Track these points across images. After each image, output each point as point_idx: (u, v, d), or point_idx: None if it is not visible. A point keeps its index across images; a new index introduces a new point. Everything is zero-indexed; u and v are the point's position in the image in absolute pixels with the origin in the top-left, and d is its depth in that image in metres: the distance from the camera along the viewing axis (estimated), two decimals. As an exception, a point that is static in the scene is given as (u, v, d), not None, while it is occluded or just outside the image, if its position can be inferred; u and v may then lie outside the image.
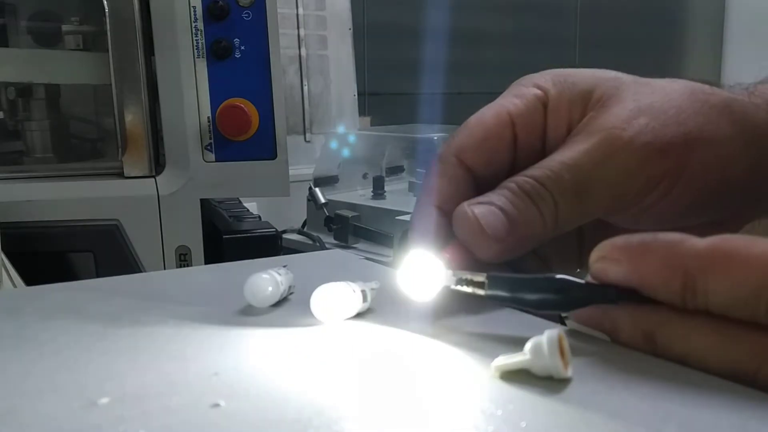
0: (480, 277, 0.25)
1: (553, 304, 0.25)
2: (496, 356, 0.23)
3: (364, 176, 1.26)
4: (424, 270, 0.26)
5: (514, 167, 0.31)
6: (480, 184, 0.31)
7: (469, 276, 0.26)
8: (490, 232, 0.28)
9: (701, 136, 0.29)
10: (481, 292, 0.25)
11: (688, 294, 0.22)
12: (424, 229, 0.30)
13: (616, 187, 0.29)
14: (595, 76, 0.31)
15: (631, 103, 0.29)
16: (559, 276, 0.24)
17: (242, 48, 0.62)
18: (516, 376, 0.22)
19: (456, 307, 0.29)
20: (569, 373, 0.22)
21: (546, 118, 0.31)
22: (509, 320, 0.28)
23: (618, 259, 0.23)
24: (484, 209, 0.28)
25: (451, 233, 0.29)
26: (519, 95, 0.31)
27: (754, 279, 0.20)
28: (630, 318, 0.24)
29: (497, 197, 0.28)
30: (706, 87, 0.31)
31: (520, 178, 0.29)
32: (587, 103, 0.30)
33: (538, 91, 0.31)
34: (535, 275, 0.25)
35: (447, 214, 0.30)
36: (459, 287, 0.26)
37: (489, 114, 0.31)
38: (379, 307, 0.29)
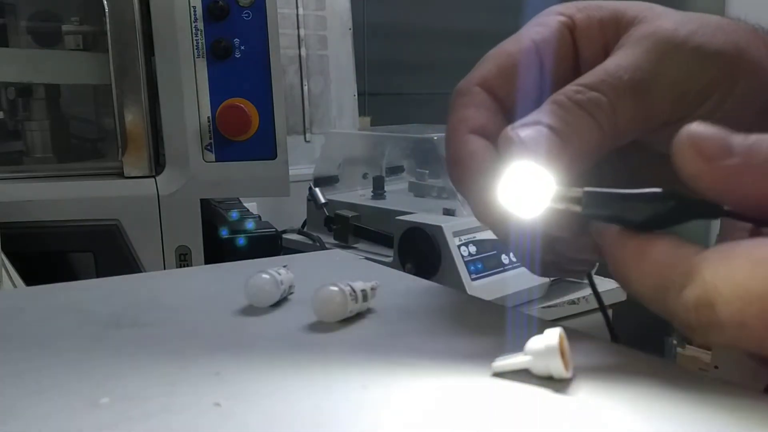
0: (576, 192, 0.23)
1: (662, 220, 0.22)
2: (496, 356, 0.23)
3: (364, 176, 1.26)
4: (527, 183, 0.24)
5: (543, 96, 0.29)
6: (509, 116, 0.29)
7: (563, 191, 0.23)
8: (542, 156, 0.25)
9: (748, 49, 0.28)
10: (577, 208, 0.23)
11: None
12: (467, 156, 0.27)
13: (677, 86, 0.27)
14: (621, 3, 0.30)
15: (673, 15, 0.29)
16: (661, 190, 0.22)
17: (242, 48, 0.62)
18: (516, 376, 0.22)
19: (456, 307, 0.29)
20: (569, 373, 0.22)
21: (576, 43, 0.30)
22: (509, 320, 0.28)
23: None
24: (532, 132, 0.26)
25: (496, 160, 0.27)
26: (541, 23, 0.30)
27: None
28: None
29: (545, 114, 0.26)
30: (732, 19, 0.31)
31: (571, 88, 0.27)
32: (620, 23, 0.29)
33: (562, 17, 0.30)
34: (637, 190, 0.22)
35: (485, 137, 0.28)
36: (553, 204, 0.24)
37: (509, 43, 0.30)
38: (379, 307, 0.29)
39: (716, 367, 0.22)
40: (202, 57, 0.62)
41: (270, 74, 0.63)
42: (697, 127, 0.22)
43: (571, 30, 0.30)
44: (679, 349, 1.60)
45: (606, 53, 0.29)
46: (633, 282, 0.23)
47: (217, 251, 0.66)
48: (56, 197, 0.61)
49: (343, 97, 1.53)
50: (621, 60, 0.27)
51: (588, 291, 1.18)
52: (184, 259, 0.64)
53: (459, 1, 1.85)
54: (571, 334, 0.26)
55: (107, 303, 0.30)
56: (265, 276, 0.29)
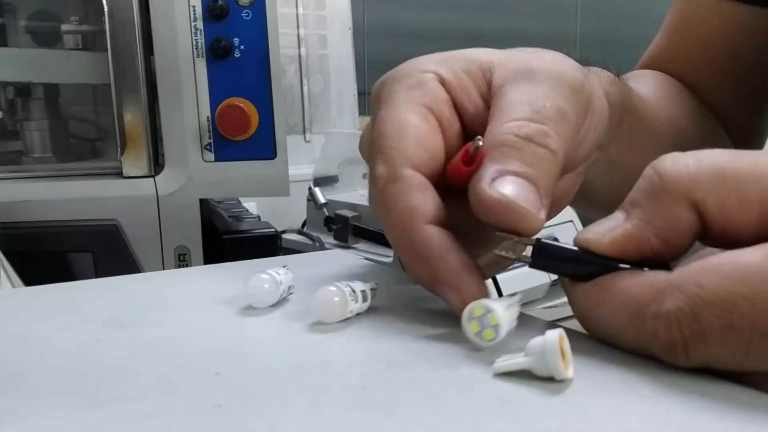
0: (527, 241, 0.25)
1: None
2: (497, 357, 0.23)
3: (364, 176, 1.26)
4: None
5: (451, 147, 0.29)
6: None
7: (512, 242, 0.25)
8: (531, 207, 0.25)
9: (587, 80, 0.30)
10: (527, 259, 0.25)
11: None
12: (435, 252, 0.26)
13: (579, 112, 0.29)
14: (462, 53, 0.31)
15: (535, 56, 0.30)
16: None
17: (242, 47, 0.62)
18: (516, 376, 0.22)
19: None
20: (570, 373, 0.22)
21: (451, 93, 0.29)
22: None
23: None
24: (511, 185, 0.25)
25: (462, 248, 0.26)
26: (414, 86, 0.29)
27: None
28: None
29: (506, 162, 0.25)
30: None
31: (510, 125, 0.26)
32: (482, 68, 0.29)
33: (430, 75, 0.29)
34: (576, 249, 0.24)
35: (443, 225, 0.26)
36: (503, 253, 0.25)
37: (404, 115, 0.28)
38: (379, 307, 0.29)
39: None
40: (202, 56, 0.62)
41: (269, 74, 0.63)
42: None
43: (443, 83, 0.29)
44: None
45: (483, 98, 0.29)
46: (604, 321, 0.23)
47: (217, 251, 0.66)
48: (55, 197, 0.61)
49: (343, 96, 1.53)
50: (526, 95, 0.27)
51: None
52: (183, 259, 0.63)
53: (459, 1, 1.85)
54: (571, 335, 0.26)
55: (106, 303, 0.30)
56: (264, 276, 0.29)
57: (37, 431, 0.19)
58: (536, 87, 0.28)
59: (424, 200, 0.26)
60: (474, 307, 0.24)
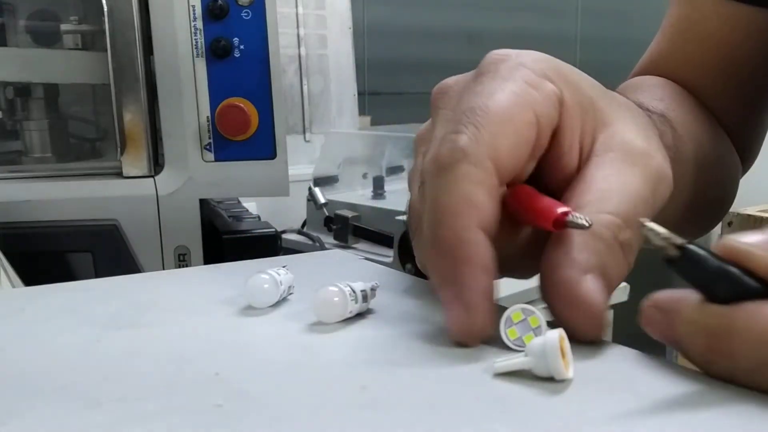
0: (677, 240, 0.22)
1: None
2: (498, 357, 0.23)
3: (364, 176, 1.26)
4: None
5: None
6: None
7: (668, 234, 0.22)
8: (601, 315, 0.24)
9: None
10: (674, 253, 0.22)
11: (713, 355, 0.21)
12: (473, 256, 0.24)
13: (660, 199, 0.28)
14: (591, 87, 0.29)
15: (633, 124, 0.29)
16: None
17: (241, 47, 0.62)
18: (516, 375, 0.22)
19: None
20: (570, 373, 0.22)
21: (561, 121, 0.27)
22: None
23: (659, 309, 0.23)
24: (595, 286, 0.24)
25: (498, 262, 0.25)
26: (535, 86, 0.26)
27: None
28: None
29: (599, 260, 0.24)
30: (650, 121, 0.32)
31: (612, 223, 0.25)
32: (596, 114, 0.28)
33: (553, 88, 0.27)
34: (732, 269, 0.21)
35: (490, 238, 0.25)
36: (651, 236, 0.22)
37: (515, 109, 0.25)
38: (379, 307, 0.29)
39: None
40: (201, 56, 0.62)
41: (269, 73, 0.63)
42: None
43: (560, 104, 0.27)
44: (678, 349, 1.60)
45: (580, 143, 0.27)
46: (747, 353, 0.20)
47: (217, 251, 0.66)
48: (55, 197, 0.61)
49: (343, 96, 1.53)
50: (626, 185, 0.26)
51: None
52: (183, 259, 0.63)
53: (459, 1, 1.85)
54: (572, 334, 0.26)
55: (106, 303, 0.30)
56: (264, 276, 0.29)
57: (37, 431, 0.19)
58: (634, 177, 0.27)
59: (487, 201, 0.25)
60: (511, 314, 0.24)
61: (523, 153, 0.26)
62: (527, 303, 0.24)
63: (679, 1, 0.50)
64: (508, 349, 0.24)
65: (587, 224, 0.24)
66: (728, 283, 0.21)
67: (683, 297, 0.22)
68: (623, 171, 0.27)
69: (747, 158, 0.50)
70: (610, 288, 0.25)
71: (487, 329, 0.24)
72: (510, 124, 0.25)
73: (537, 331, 0.23)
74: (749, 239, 0.21)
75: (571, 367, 0.22)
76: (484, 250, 0.24)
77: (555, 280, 0.25)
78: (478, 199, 0.24)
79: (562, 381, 0.22)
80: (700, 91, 0.48)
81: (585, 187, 0.26)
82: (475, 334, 0.24)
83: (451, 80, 0.30)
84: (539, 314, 0.23)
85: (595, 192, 0.26)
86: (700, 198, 0.42)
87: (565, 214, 0.25)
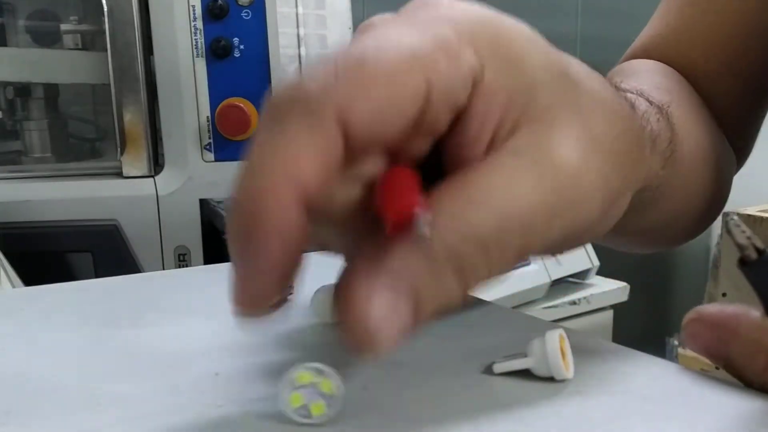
0: (759, 243, 0.21)
1: None
2: (497, 357, 0.23)
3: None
4: None
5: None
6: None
7: (751, 235, 0.21)
8: (373, 340, 0.18)
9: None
10: (754, 255, 0.21)
11: None
12: (286, 234, 0.19)
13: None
14: (542, 68, 0.22)
15: (579, 130, 0.22)
16: None
17: (241, 47, 0.62)
18: (516, 375, 0.22)
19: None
20: (570, 373, 0.22)
21: (470, 105, 0.21)
22: (510, 321, 0.28)
23: (708, 324, 0.22)
24: (384, 309, 0.19)
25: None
26: (446, 50, 0.20)
27: None
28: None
29: (405, 272, 0.19)
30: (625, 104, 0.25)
31: (453, 242, 0.19)
32: (529, 102, 0.21)
33: (473, 61, 0.20)
34: None
35: (308, 205, 0.19)
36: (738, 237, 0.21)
37: (400, 69, 0.19)
38: (380, 307, 0.29)
39: (717, 368, 0.22)
40: (201, 56, 0.62)
41: (269, 73, 0.63)
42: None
43: (474, 84, 0.21)
44: (680, 350, 1.60)
45: (493, 135, 0.21)
46: None
47: (217, 251, 0.66)
48: (55, 197, 0.61)
49: (343, 96, 1.52)
50: (517, 210, 0.20)
51: (588, 292, 1.18)
52: (183, 259, 0.63)
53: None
54: (571, 335, 0.26)
55: (106, 303, 0.30)
56: (264, 276, 0.29)
57: (37, 431, 0.19)
58: (526, 194, 0.20)
59: (317, 162, 0.19)
60: (295, 375, 0.19)
61: (392, 124, 0.20)
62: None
63: None
64: (506, 355, 0.24)
65: (427, 235, 0.19)
66: None
67: (740, 314, 0.21)
68: (517, 182, 0.20)
69: (742, 154, 0.49)
70: (417, 315, 0.19)
71: (269, 300, 0.20)
72: (383, 84, 0.19)
73: (330, 400, 0.19)
74: None
75: (571, 367, 0.22)
76: (296, 218, 0.19)
77: (348, 284, 0.20)
78: (296, 154, 0.19)
79: (562, 381, 0.22)
80: (703, 76, 0.44)
81: (454, 190, 0.20)
82: (254, 303, 0.20)
83: (377, 17, 0.23)
84: (335, 377, 0.19)
85: (462, 199, 0.20)
86: (696, 197, 0.41)
87: (408, 215, 0.19)
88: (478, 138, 0.21)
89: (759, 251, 0.21)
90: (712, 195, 0.45)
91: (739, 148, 0.47)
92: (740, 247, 0.21)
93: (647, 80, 0.39)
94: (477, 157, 0.21)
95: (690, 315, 0.22)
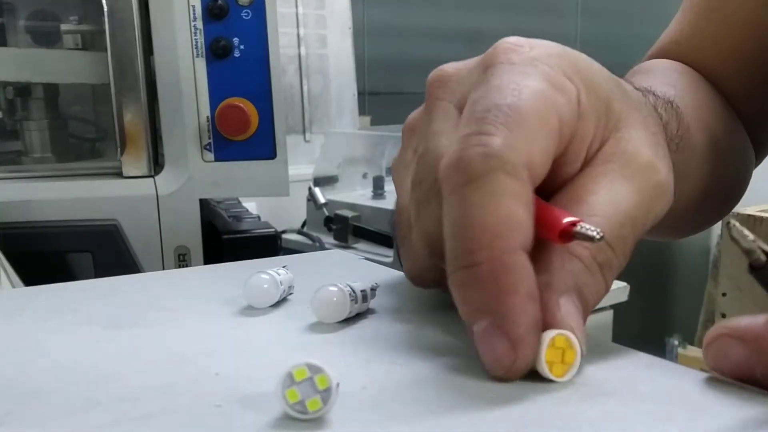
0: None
1: None
2: None
3: (364, 176, 1.26)
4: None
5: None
6: None
7: (755, 239, 0.21)
8: (576, 333, 0.22)
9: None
10: (762, 258, 0.20)
11: None
12: (526, 293, 0.21)
13: (656, 213, 0.25)
14: (610, 88, 0.26)
15: (644, 129, 0.26)
16: None
17: (241, 47, 0.62)
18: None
19: (455, 308, 0.29)
20: (567, 377, 0.22)
21: (577, 127, 0.24)
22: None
23: (742, 337, 0.20)
24: (568, 308, 0.22)
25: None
26: (559, 87, 0.24)
27: None
28: None
29: (569, 277, 0.23)
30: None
31: (591, 243, 0.22)
32: (609, 119, 0.25)
33: (574, 89, 0.24)
34: None
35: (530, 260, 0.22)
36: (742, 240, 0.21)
37: (545, 112, 0.23)
38: (379, 307, 0.29)
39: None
40: (201, 56, 0.62)
41: (269, 73, 0.63)
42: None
43: (578, 105, 0.24)
44: (680, 350, 1.60)
45: (587, 149, 0.25)
46: None
47: (217, 251, 0.66)
48: (54, 197, 0.61)
49: (343, 96, 1.53)
50: (624, 207, 0.24)
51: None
52: (183, 260, 0.63)
53: (459, 1, 1.85)
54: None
55: (106, 303, 0.30)
56: (264, 276, 0.29)
57: (37, 431, 0.19)
58: (629, 194, 0.24)
59: (525, 216, 0.22)
60: (293, 371, 0.19)
61: (549, 162, 0.23)
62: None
63: None
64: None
65: (597, 236, 0.22)
66: None
67: None
68: (617, 186, 0.24)
69: (762, 150, 0.49)
70: (586, 309, 0.23)
71: (533, 363, 0.22)
72: (542, 128, 0.23)
73: (325, 395, 0.19)
74: None
75: (570, 371, 0.22)
76: (529, 276, 0.22)
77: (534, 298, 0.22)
78: (520, 217, 0.21)
79: (562, 381, 0.22)
80: (720, 77, 0.45)
81: (569, 199, 0.24)
82: (521, 369, 0.21)
83: (450, 68, 0.27)
84: (329, 372, 0.19)
85: (580, 206, 0.24)
86: (710, 187, 0.41)
87: (573, 224, 0.22)
88: (579, 154, 0.25)
89: (767, 254, 0.21)
90: (727, 186, 0.45)
91: (760, 143, 0.48)
92: (748, 253, 0.21)
93: (660, 78, 0.41)
94: (575, 172, 0.25)
95: (716, 330, 0.21)
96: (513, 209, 0.21)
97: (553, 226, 0.22)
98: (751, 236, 0.21)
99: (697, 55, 0.46)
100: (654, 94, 0.34)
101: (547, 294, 0.22)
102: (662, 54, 0.48)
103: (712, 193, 0.43)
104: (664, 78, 0.41)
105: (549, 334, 0.22)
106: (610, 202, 0.24)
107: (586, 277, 0.23)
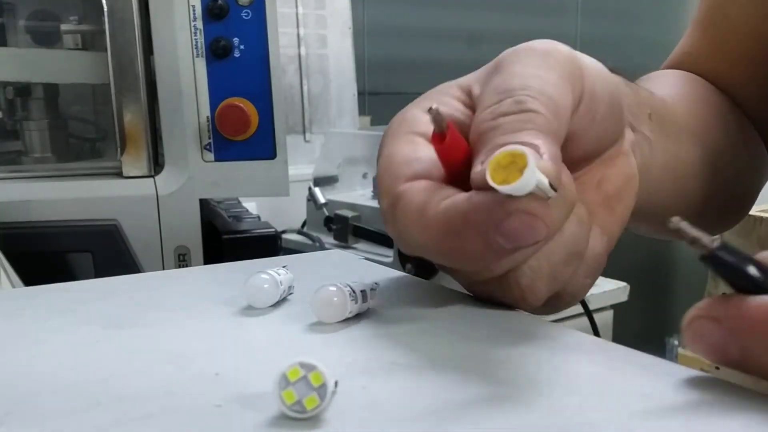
0: (709, 240, 0.20)
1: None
2: (493, 356, 0.23)
3: (364, 176, 1.26)
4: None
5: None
6: None
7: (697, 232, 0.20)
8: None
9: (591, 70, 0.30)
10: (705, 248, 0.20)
11: None
12: (468, 203, 0.24)
13: (565, 72, 0.28)
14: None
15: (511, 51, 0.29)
16: None
17: (241, 47, 0.62)
18: (516, 376, 0.22)
19: (456, 308, 0.29)
20: (516, 184, 0.22)
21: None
22: (510, 320, 0.28)
23: (715, 318, 0.20)
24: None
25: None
26: (398, 123, 0.30)
27: None
28: None
29: (490, 143, 0.25)
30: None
31: (486, 113, 0.26)
32: (463, 88, 0.30)
33: (411, 111, 0.30)
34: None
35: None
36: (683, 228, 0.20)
37: (388, 151, 0.29)
38: (379, 307, 0.29)
39: (717, 368, 0.22)
40: (201, 56, 0.62)
41: (269, 73, 0.63)
42: None
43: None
44: (680, 350, 1.60)
45: (472, 110, 0.28)
46: None
47: (217, 251, 0.66)
48: (54, 197, 0.61)
49: (343, 96, 1.53)
50: (494, 83, 0.27)
51: (589, 291, 1.18)
52: (183, 259, 0.63)
53: (459, 1, 1.85)
54: (571, 335, 0.26)
55: (106, 303, 0.30)
56: (264, 276, 0.29)
57: (37, 431, 0.19)
58: (503, 73, 0.27)
59: (431, 192, 0.25)
60: (287, 371, 0.19)
61: (423, 155, 0.27)
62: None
63: None
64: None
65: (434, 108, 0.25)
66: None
67: (743, 298, 0.20)
68: (491, 81, 0.27)
69: None
70: (525, 143, 0.24)
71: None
72: (391, 159, 0.28)
73: (321, 391, 0.19)
74: None
75: (521, 179, 0.22)
76: (463, 198, 0.25)
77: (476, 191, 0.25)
78: (421, 199, 0.26)
79: (559, 381, 0.21)
80: (731, 86, 0.47)
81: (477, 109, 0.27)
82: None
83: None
84: (323, 369, 0.19)
85: (479, 106, 0.27)
86: (717, 191, 0.42)
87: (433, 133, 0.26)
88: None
89: (707, 248, 0.20)
90: (737, 190, 0.46)
91: None
92: (694, 242, 0.20)
93: (656, 81, 0.43)
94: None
95: (692, 312, 0.21)
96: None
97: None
98: (687, 229, 0.20)
99: (709, 65, 0.47)
100: (648, 91, 0.36)
101: (472, 177, 0.24)
102: (675, 65, 0.49)
103: (721, 198, 0.43)
104: (661, 82, 0.43)
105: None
106: (489, 85, 0.27)
107: (495, 132, 0.25)
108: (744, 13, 0.46)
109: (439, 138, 0.25)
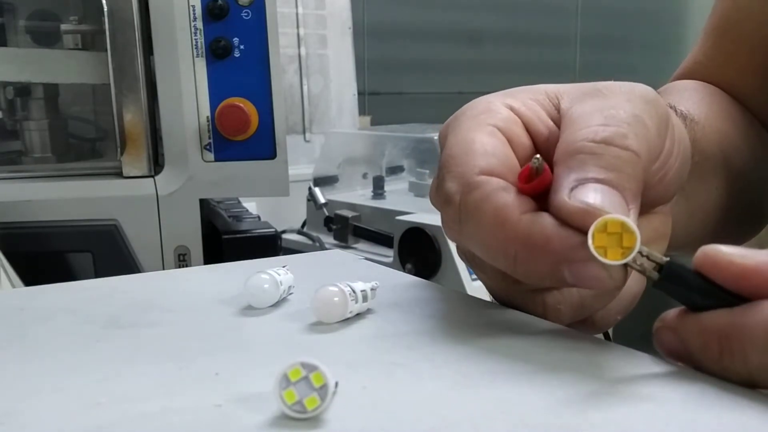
0: (658, 258, 0.22)
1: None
2: (494, 358, 0.23)
3: (364, 176, 1.26)
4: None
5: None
6: None
7: (646, 251, 0.22)
8: (618, 212, 0.23)
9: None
10: (654, 275, 0.22)
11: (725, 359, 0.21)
12: (551, 229, 0.23)
13: (660, 120, 0.27)
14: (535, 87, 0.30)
15: (602, 82, 0.28)
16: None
17: (241, 47, 0.62)
18: (516, 376, 0.22)
19: (456, 308, 0.29)
20: (625, 260, 0.22)
21: (521, 117, 0.28)
22: (510, 321, 0.28)
23: (670, 328, 0.23)
24: (593, 192, 0.23)
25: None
26: (480, 112, 0.28)
27: None
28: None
29: (584, 169, 0.24)
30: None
31: (587, 131, 0.24)
32: (551, 96, 0.28)
33: (496, 103, 0.28)
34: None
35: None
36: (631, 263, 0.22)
37: (469, 136, 0.27)
38: (379, 307, 0.29)
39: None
40: (201, 56, 0.62)
41: (269, 73, 0.63)
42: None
43: (511, 109, 0.28)
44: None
45: (554, 121, 0.28)
46: (748, 353, 0.21)
47: (217, 251, 0.66)
48: (55, 197, 0.61)
49: (343, 96, 1.53)
50: (597, 106, 0.26)
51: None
52: (183, 259, 0.63)
53: (459, 1, 1.85)
54: (571, 335, 0.26)
55: (106, 303, 0.30)
56: (264, 276, 0.29)
57: (37, 431, 0.19)
58: (606, 100, 0.26)
59: (512, 196, 0.24)
60: (288, 371, 0.19)
61: (502, 153, 0.26)
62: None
63: (721, 2, 0.48)
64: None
65: (538, 159, 0.24)
66: (703, 296, 0.22)
67: (691, 314, 0.22)
68: (589, 102, 0.26)
69: None
70: (617, 185, 0.23)
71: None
72: (470, 147, 0.26)
73: (322, 392, 0.19)
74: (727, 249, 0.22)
75: (629, 255, 0.22)
76: (546, 220, 0.24)
77: (555, 214, 0.24)
78: (501, 201, 0.25)
79: (561, 381, 0.21)
80: (743, 95, 0.47)
81: (561, 133, 0.26)
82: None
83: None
84: (324, 369, 0.19)
85: (567, 128, 0.25)
86: (736, 202, 0.42)
87: (527, 168, 0.25)
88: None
89: (660, 267, 0.23)
90: (755, 200, 0.46)
91: None
92: (642, 273, 0.23)
93: (677, 95, 0.43)
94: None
95: (657, 322, 0.23)
96: (500, 200, 0.24)
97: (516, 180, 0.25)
98: (639, 257, 0.22)
99: (720, 74, 0.47)
100: (674, 108, 0.36)
101: (553, 196, 0.24)
102: (687, 75, 0.50)
103: (740, 209, 0.43)
104: (681, 95, 0.43)
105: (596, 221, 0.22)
106: (589, 106, 0.26)
107: (591, 158, 0.24)
108: (756, 22, 0.46)
109: (525, 178, 0.25)
